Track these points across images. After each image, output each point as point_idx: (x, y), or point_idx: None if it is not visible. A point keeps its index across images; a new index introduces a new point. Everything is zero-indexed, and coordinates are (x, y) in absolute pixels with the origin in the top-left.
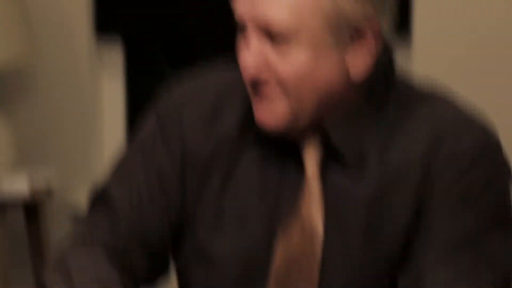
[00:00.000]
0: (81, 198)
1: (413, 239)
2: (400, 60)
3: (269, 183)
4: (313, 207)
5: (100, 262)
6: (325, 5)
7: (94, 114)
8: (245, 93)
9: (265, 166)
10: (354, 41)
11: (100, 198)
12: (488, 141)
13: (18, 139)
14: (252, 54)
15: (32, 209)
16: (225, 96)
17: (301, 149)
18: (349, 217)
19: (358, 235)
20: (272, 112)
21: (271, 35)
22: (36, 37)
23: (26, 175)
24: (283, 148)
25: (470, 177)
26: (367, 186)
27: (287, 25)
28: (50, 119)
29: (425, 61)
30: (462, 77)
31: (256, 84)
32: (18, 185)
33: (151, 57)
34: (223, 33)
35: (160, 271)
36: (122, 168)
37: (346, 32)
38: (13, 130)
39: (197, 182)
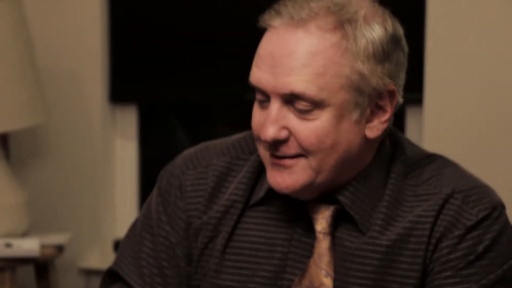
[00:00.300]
0: (90, 256)
1: None
2: (412, 122)
3: (276, 243)
4: (322, 265)
5: None
6: (352, 77)
7: (106, 177)
8: (250, 158)
9: (273, 227)
10: (374, 115)
11: (114, 275)
12: (492, 203)
13: (31, 201)
14: (272, 121)
15: (42, 267)
16: (227, 170)
17: (310, 208)
18: (356, 276)
19: None
20: (291, 179)
21: (295, 104)
22: (52, 105)
23: (37, 237)
24: (291, 207)
25: (475, 236)
26: (376, 246)
27: (313, 97)
28: (62, 182)
29: (437, 123)
30: (474, 140)
31: (276, 145)
32: (29, 245)
33: (165, 120)
34: (234, 96)
35: None
36: (131, 245)
37: (368, 104)
38: (26, 193)
39: (202, 246)
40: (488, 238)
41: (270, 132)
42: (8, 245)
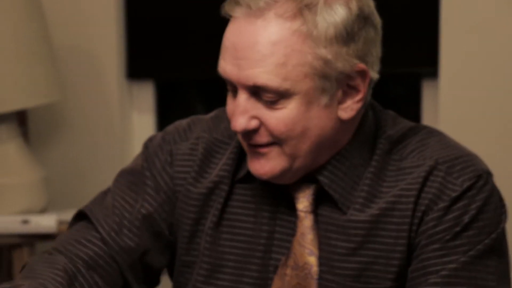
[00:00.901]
0: None
1: (408, 274)
2: (428, 95)
3: (261, 221)
4: (305, 244)
5: (53, 269)
6: (315, 64)
7: (124, 154)
8: (236, 140)
9: (256, 206)
10: (346, 95)
11: (84, 216)
12: (477, 171)
13: (49, 178)
14: (241, 111)
15: None
16: (215, 146)
17: (291, 187)
18: (341, 254)
19: (350, 272)
20: (269, 166)
21: (261, 95)
22: (69, 82)
23: (55, 214)
24: (274, 186)
25: (460, 207)
26: (359, 223)
27: (276, 88)
28: (80, 159)
29: (452, 97)
30: (490, 113)
31: (248, 134)
32: (46, 221)
33: (183, 96)
34: None
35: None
36: (108, 195)
37: (337, 87)
38: (44, 170)
39: (192, 219)
40: (474, 208)
41: (240, 122)
42: (25, 222)
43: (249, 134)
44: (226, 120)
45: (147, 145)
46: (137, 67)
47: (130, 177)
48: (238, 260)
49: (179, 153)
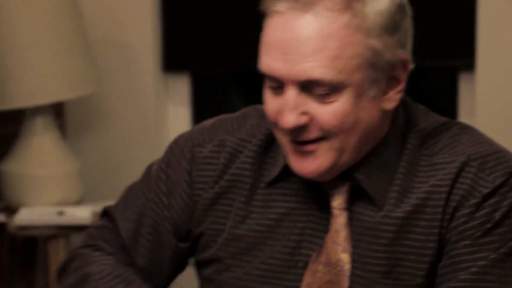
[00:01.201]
0: None
1: (439, 270)
2: (465, 88)
3: (293, 218)
4: (339, 241)
5: (111, 262)
6: (366, 55)
7: (159, 146)
8: (257, 135)
9: (288, 202)
10: (389, 86)
11: (108, 216)
12: (509, 168)
13: (85, 170)
14: (291, 108)
15: None
16: (239, 146)
17: (326, 184)
18: (374, 250)
19: (380, 268)
20: (316, 164)
21: (312, 89)
22: (105, 74)
23: (91, 206)
24: (307, 183)
25: (491, 204)
26: (391, 219)
27: (331, 81)
28: (116, 151)
29: (489, 89)
30: None
31: (296, 131)
32: (81, 213)
33: (220, 88)
34: None
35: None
36: (130, 193)
37: (383, 78)
38: (79, 162)
39: (216, 217)
40: (506, 205)
41: (290, 119)
42: (60, 213)
43: (297, 130)
44: (253, 118)
45: (171, 146)
46: (173, 60)
47: (146, 179)
48: (265, 256)
49: (200, 156)
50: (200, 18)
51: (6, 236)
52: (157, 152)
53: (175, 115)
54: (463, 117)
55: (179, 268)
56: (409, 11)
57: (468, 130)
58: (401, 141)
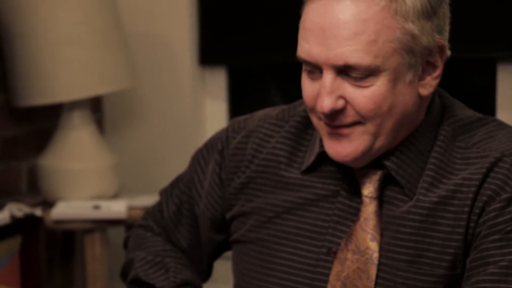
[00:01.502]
0: None
1: (467, 263)
2: (503, 80)
3: (322, 204)
4: (368, 229)
5: (158, 244)
6: (403, 39)
7: (196, 140)
8: (287, 123)
9: (318, 189)
10: (425, 71)
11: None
12: None
13: (123, 164)
14: (328, 92)
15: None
16: (269, 131)
17: (357, 173)
18: (402, 239)
19: (404, 257)
20: (351, 147)
21: (349, 73)
22: (143, 68)
23: (127, 200)
24: (339, 171)
25: None
26: (419, 209)
27: (368, 66)
28: (154, 145)
29: None
30: None
31: (332, 115)
32: (117, 207)
33: (257, 82)
34: None
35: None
36: (179, 175)
37: (420, 63)
38: (116, 156)
39: (246, 200)
40: None
41: (327, 103)
42: (96, 207)
43: (333, 114)
44: (288, 107)
45: (210, 140)
46: (209, 53)
47: (188, 175)
48: (290, 239)
49: (230, 147)
50: (237, 11)
51: (43, 229)
52: (194, 146)
53: (211, 108)
54: (502, 111)
55: (218, 251)
56: None
57: (504, 126)
58: (435, 131)
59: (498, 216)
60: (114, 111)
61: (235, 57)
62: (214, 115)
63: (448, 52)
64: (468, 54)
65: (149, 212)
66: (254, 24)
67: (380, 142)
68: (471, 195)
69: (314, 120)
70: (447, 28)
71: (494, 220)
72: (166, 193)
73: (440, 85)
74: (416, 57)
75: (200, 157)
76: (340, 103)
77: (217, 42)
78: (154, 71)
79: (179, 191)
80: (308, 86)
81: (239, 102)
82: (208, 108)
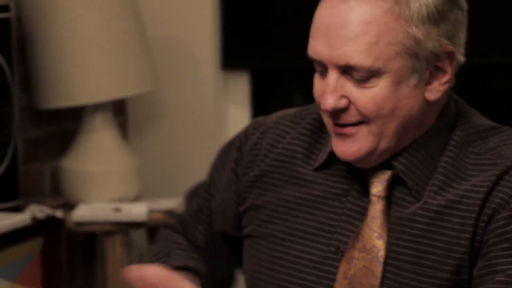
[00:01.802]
0: None
1: (475, 271)
2: None
3: (331, 203)
4: (374, 228)
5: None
6: (406, 43)
7: (219, 144)
8: (302, 121)
9: (329, 187)
10: (433, 76)
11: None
12: None
13: (145, 167)
14: (331, 90)
15: (153, 231)
16: (285, 127)
17: (367, 172)
18: (407, 240)
19: (409, 258)
20: (355, 147)
21: (352, 73)
22: (165, 72)
23: (148, 202)
24: (349, 170)
25: None
26: (426, 211)
27: (368, 67)
28: (176, 148)
29: None
30: None
31: (336, 113)
32: (137, 210)
33: (280, 86)
34: None
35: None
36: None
37: (426, 68)
38: (137, 160)
39: (258, 194)
40: None
41: (329, 101)
42: (117, 210)
43: (337, 113)
44: (307, 106)
45: (231, 139)
46: (232, 58)
47: (209, 173)
48: (299, 236)
49: (249, 143)
50: (260, 15)
51: (64, 231)
52: (215, 150)
53: (234, 113)
54: None
55: (234, 248)
56: (463, 4)
57: None
58: (447, 136)
59: (507, 224)
60: (137, 114)
61: (258, 62)
62: (236, 120)
63: (462, 59)
64: (491, 60)
65: (178, 212)
66: (277, 28)
67: (384, 143)
68: (479, 202)
69: (324, 118)
70: (461, 35)
71: (503, 228)
72: (191, 192)
73: (469, 90)
74: (420, 61)
75: (221, 155)
76: (343, 102)
77: (240, 46)
78: (177, 75)
79: (202, 190)
80: (317, 84)
81: (262, 107)
82: (230, 113)
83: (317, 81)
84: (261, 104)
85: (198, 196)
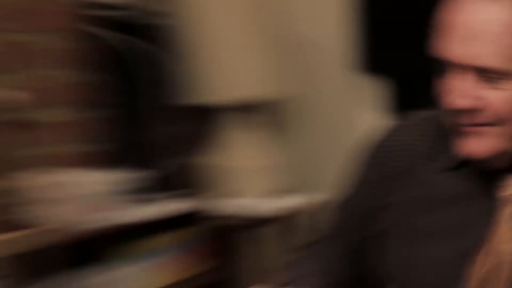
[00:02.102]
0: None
1: None
2: None
3: (460, 205)
4: (503, 231)
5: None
6: None
7: (352, 144)
8: (435, 130)
9: (456, 188)
10: None
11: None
12: None
13: (290, 165)
14: (464, 91)
15: (286, 226)
16: (412, 144)
17: (497, 176)
18: None
19: None
20: (482, 145)
21: (486, 75)
22: (310, 74)
23: (281, 199)
24: (477, 173)
25: None
26: None
27: (505, 70)
28: (314, 148)
29: None
30: None
31: (467, 114)
32: (267, 206)
33: (424, 91)
34: None
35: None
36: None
37: None
38: (287, 156)
39: (391, 192)
40: None
41: (463, 102)
42: (250, 205)
43: (468, 114)
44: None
45: (367, 142)
46: (373, 61)
47: (358, 176)
48: (429, 235)
49: (382, 150)
50: (400, 19)
51: (208, 224)
52: (354, 152)
53: (371, 115)
54: None
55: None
56: None
57: None
58: None
59: None
60: (284, 114)
61: (397, 66)
62: (370, 122)
63: None
64: None
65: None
66: (418, 32)
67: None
68: None
69: (448, 119)
70: None
71: None
72: (338, 204)
73: None
74: None
75: (361, 158)
76: (476, 103)
77: (381, 49)
78: (316, 77)
79: (347, 194)
80: (446, 83)
81: (399, 112)
82: (368, 115)
83: (444, 80)
84: (398, 109)
85: (342, 201)
